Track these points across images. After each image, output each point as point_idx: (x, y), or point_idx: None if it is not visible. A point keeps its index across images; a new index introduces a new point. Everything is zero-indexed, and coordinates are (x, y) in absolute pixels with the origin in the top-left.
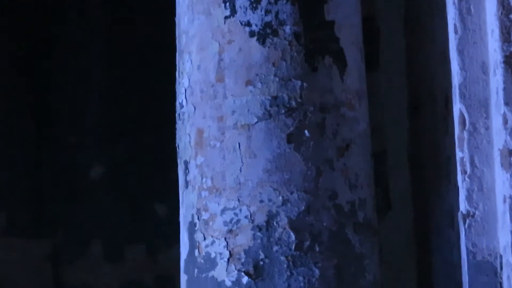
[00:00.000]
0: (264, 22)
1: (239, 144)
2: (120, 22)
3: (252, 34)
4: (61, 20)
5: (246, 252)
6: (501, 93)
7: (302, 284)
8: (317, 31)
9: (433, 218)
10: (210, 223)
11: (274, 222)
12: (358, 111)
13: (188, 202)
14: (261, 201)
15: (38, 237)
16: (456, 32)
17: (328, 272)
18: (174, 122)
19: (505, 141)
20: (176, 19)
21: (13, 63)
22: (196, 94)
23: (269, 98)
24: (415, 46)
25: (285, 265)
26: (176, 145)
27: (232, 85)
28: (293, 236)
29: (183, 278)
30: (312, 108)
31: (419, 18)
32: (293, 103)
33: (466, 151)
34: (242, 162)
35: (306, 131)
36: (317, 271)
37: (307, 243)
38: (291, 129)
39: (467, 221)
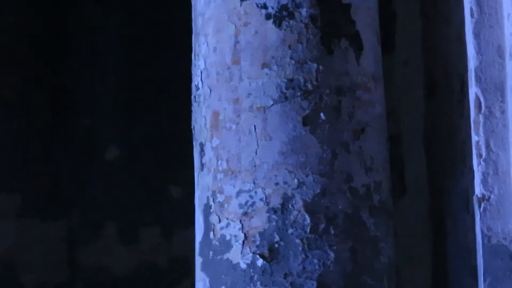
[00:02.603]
0: (280, 4)
1: (254, 126)
2: (137, 2)
3: (268, 16)
4: (78, 0)
5: (261, 234)
6: None
7: (317, 266)
8: (333, 13)
9: (448, 202)
10: (225, 206)
11: (290, 205)
12: (374, 94)
13: (203, 184)
14: (277, 184)
15: (53, 218)
16: (472, 15)
17: (343, 255)
18: (190, 105)
19: None
20: (192, 1)
21: (29, 44)
22: (212, 77)
23: (285, 80)
24: (431, 30)
25: (300, 248)
26: (192, 127)
27: (248, 68)
28: (308, 219)
29: (198, 260)
30: (328, 91)
31: (435, 1)
32: (309, 85)
33: (482, 134)
34: (257, 144)
35: (322, 114)
36: (332, 254)
37: (322, 226)
38: (307, 111)
39: (482, 204)
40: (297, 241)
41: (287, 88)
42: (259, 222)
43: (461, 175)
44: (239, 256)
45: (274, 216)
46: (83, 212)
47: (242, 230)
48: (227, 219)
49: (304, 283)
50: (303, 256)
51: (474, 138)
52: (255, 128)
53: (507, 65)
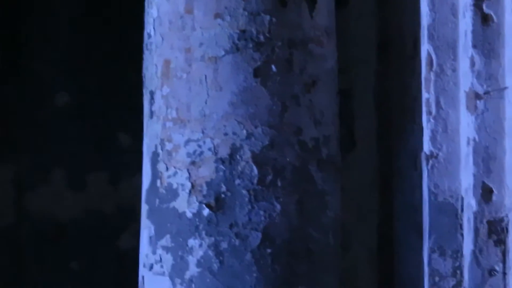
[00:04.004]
0: None
1: (205, 76)
2: None
3: None
4: None
5: (208, 184)
6: (469, 35)
7: (263, 218)
8: None
9: (397, 158)
10: (173, 154)
11: (237, 156)
12: (326, 48)
13: (152, 132)
14: (225, 134)
15: (0, 161)
16: None
17: (290, 207)
18: (141, 52)
19: (472, 83)
20: None
21: None
22: (164, 25)
23: (238, 31)
24: None
25: (247, 199)
26: (143, 75)
27: (201, 17)
28: (255, 170)
29: (144, 208)
30: (280, 43)
31: None
32: (261, 37)
33: (432, 92)
34: (208, 94)
35: (273, 66)
36: (278, 206)
37: (270, 177)
38: (258, 63)
39: (430, 162)
40: (244, 192)
41: (239, 39)
42: (206, 171)
43: (410, 132)
44: (185, 205)
45: (221, 166)
46: (31, 156)
47: (189, 179)
48: (174, 167)
49: (250, 234)
50: (249, 207)
51: (425, 95)
52: (206, 78)
53: (460, 23)
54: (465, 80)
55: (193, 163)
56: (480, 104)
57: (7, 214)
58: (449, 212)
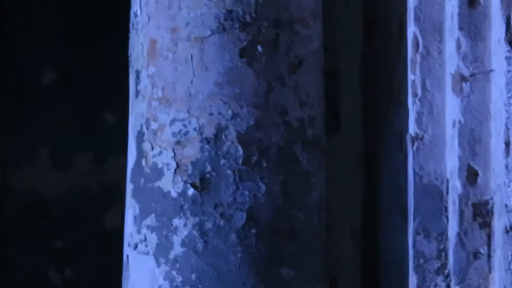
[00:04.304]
0: None
1: (191, 56)
2: None
3: None
4: None
5: (193, 164)
6: (456, 17)
7: (247, 198)
8: None
9: (382, 140)
10: (159, 134)
11: (223, 136)
12: (312, 29)
13: (137, 111)
14: (211, 114)
15: None
16: None
17: (274, 188)
18: (127, 31)
19: (458, 65)
20: None
21: None
22: (151, 4)
23: (224, 11)
24: None
25: (232, 179)
26: (129, 54)
27: None
28: (241, 151)
29: (129, 187)
30: (266, 24)
31: None
32: (248, 17)
33: (418, 74)
34: (193, 74)
35: (259, 46)
36: (263, 187)
37: (255, 158)
38: (244, 43)
39: (416, 143)
40: (229, 172)
41: (225, 19)
42: (191, 151)
43: (395, 113)
44: (170, 184)
45: (207, 146)
46: (16, 135)
47: (175, 159)
48: (160, 147)
49: (234, 214)
50: (234, 187)
51: (410, 77)
52: (192, 58)
53: (446, 5)
54: (451, 62)
55: (178, 142)
56: (466, 86)
57: None
58: (434, 194)
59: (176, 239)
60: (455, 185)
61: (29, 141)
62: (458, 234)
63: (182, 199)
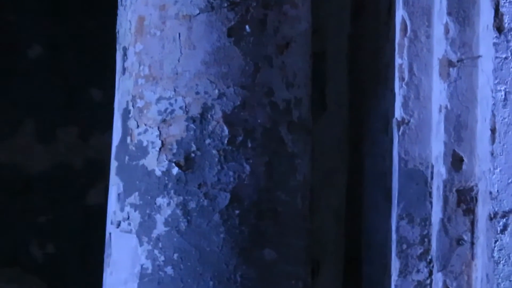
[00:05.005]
0: None
1: (179, 34)
2: None
3: None
4: None
5: (178, 143)
6: (444, 2)
7: (232, 179)
8: None
9: (368, 123)
10: (145, 111)
11: (209, 115)
12: (301, 10)
13: (124, 88)
14: (197, 93)
15: None
16: None
17: (259, 169)
18: (116, 8)
19: (445, 50)
20: None
21: None
22: None
23: None
24: None
25: (216, 159)
26: (116, 31)
27: None
28: (226, 130)
29: (113, 164)
30: (254, 4)
31: None
32: None
33: (406, 58)
34: (181, 52)
35: (247, 26)
36: (247, 167)
37: (240, 138)
38: (232, 23)
39: (401, 128)
40: (214, 152)
41: None
42: (177, 130)
43: (382, 97)
44: (154, 163)
45: (192, 125)
46: (1, 108)
47: (160, 137)
48: (145, 125)
49: (218, 194)
50: (219, 167)
51: (398, 61)
52: (179, 36)
53: None
54: (439, 47)
55: (164, 121)
56: (453, 71)
57: None
58: (418, 180)
59: (159, 218)
60: (440, 171)
61: (14, 114)
62: (442, 220)
63: (166, 178)
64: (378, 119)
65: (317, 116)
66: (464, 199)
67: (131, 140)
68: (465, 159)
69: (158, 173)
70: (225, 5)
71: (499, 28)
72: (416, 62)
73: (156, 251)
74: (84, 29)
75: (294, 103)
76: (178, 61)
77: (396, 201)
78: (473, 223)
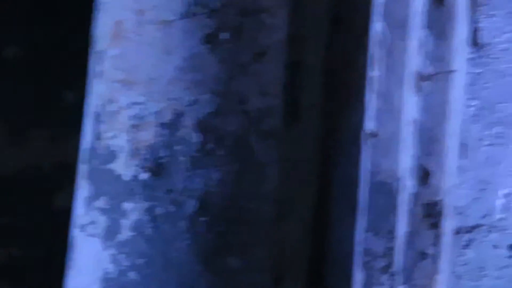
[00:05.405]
0: None
1: (156, 39)
2: None
3: None
4: None
5: (147, 148)
6: (421, 15)
7: (200, 186)
8: None
9: (340, 135)
10: (116, 116)
11: (180, 121)
12: (279, 19)
13: (96, 92)
14: (170, 99)
15: None
16: None
17: (228, 177)
18: (91, 11)
19: (419, 64)
20: None
21: None
22: None
23: None
24: None
25: (185, 166)
26: (91, 34)
27: None
28: (196, 137)
29: (81, 168)
30: (233, 12)
31: None
32: (216, 4)
33: (379, 70)
34: (157, 58)
35: (223, 34)
36: (216, 175)
37: (210, 145)
38: (210, 30)
39: (370, 140)
40: (183, 158)
41: (192, 5)
42: (147, 136)
43: (354, 109)
44: (122, 167)
45: (162, 131)
46: None
47: (129, 142)
48: (115, 129)
49: (186, 201)
50: (187, 174)
51: (370, 73)
52: (156, 42)
53: (412, 2)
54: (413, 60)
55: (134, 126)
56: (426, 85)
57: None
58: (386, 192)
59: (125, 223)
60: (408, 184)
61: None
62: (407, 234)
63: (134, 183)
64: (349, 130)
65: (290, 125)
66: (430, 213)
67: (100, 144)
68: (433, 173)
69: (126, 178)
70: (204, 11)
71: (474, 43)
72: (388, 75)
73: (120, 256)
74: (59, 30)
75: (266, 112)
76: (154, 66)
77: (362, 213)
78: (438, 237)
